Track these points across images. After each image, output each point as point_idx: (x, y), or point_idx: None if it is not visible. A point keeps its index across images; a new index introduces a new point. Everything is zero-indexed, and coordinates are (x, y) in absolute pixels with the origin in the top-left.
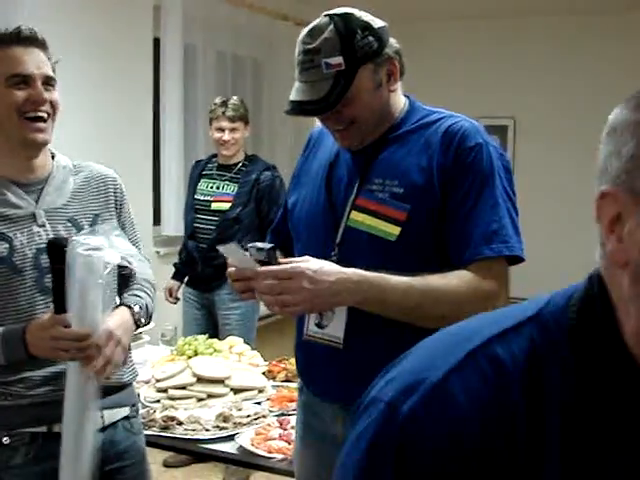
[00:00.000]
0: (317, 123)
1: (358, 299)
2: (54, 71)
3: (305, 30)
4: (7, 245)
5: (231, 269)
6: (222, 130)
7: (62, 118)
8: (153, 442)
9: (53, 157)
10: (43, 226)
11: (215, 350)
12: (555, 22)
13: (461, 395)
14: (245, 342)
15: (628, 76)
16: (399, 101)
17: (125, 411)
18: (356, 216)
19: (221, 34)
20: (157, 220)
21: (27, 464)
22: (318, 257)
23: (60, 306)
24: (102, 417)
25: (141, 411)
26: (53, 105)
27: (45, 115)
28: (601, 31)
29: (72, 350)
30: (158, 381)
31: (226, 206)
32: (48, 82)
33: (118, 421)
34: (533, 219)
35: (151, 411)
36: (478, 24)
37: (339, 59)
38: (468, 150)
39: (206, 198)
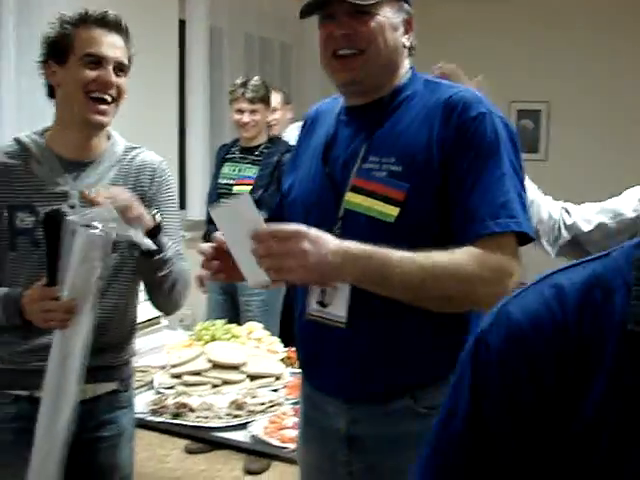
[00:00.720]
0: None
1: (357, 273)
2: (130, 61)
3: None
4: (34, 218)
5: (205, 246)
6: (242, 112)
7: None
8: (165, 429)
9: (109, 139)
10: (73, 207)
11: (233, 336)
12: (590, 3)
13: (519, 313)
14: (266, 328)
15: None
16: (405, 64)
17: (112, 386)
18: (353, 197)
19: (248, 17)
20: (182, 204)
21: (5, 420)
22: None
23: (52, 278)
24: (84, 391)
25: (154, 397)
26: (120, 90)
27: (109, 98)
28: (637, 13)
29: (61, 321)
30: (173, 367)
31: (248, 189)
32: (120, 68)
33: (102, 395)
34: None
35: (163, 397)
36: (511, 5)
37: None
38: (470, 120)
39: (229, 182)
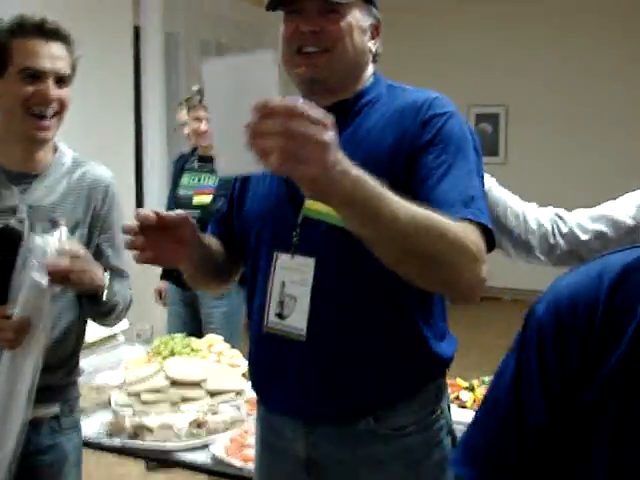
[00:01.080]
0: None
1: (354, 190)
2: (74, 67)
3: None
4: None
5: (128, 223)
6: (199, 120)
7: None
8: (121, 450)
9: (56, 150)
10: (21, 222)
11: (193, 350)
12: (545, 5)
13: (564, 286)
14: (227, 341)
15: (623, 60)
16: (369, 70)
17: (54, 408)
18: (312, 205)
19: (204, 22)
20: None
21: None
22: (275, 247)
23: (3, 296)
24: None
25: (110, 417)
26: (62, 102)
27: (50, 112)
28: (592, 13)
29: (10, 340)
30: (130, 385)
31: (207, 199)
32: (61, 79)
33: (44, 418)
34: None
35: (120, 417)
36: (466, 7)
37: None
38: (439, 115)
39: (188, 193)
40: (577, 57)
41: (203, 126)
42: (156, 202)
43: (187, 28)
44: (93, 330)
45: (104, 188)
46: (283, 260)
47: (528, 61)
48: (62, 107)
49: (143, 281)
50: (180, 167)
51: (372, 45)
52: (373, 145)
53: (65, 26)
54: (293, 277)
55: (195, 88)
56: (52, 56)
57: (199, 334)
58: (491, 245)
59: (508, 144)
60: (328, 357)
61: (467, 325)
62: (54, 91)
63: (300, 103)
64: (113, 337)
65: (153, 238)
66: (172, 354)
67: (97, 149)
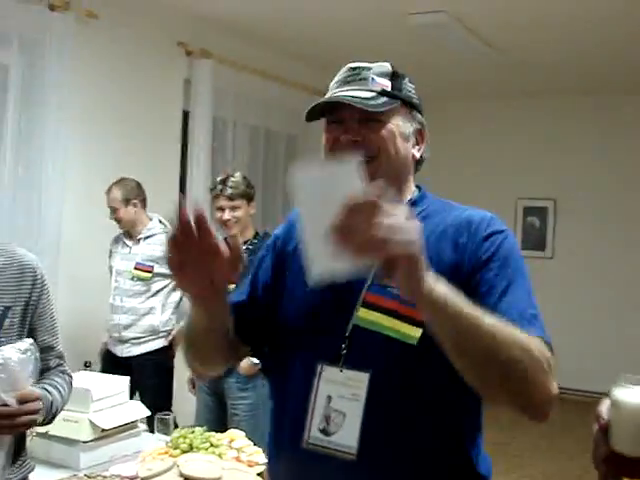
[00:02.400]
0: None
1: (432, 279)
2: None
3: None
4: None
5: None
6: (222, 209)
7: (90, 191)
8: None
9: None
10: None
11: (212, 445)
12: (592, 101)
13: None
14: (252, 433)
15: None
16: (411, 183)
17: None
18: (366, 314)
19: (252, 108)
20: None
21: None
22: (319, 358)
23: None
24: None
25: None
26: None
27: None
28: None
29: None
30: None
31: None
32: None
33: None
34: (575, 301)
35: None
36: (514, 103)
37: (387, 82)
38: (498, 233)
39: None
40: (624, 152)
41: (226, 215)
42: None
43: (236, 113)
44: (113, 418)
45: (32, 272)
46: (330, 373)
47: (577, 154)
48: None
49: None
50: None
51: (416, 152)
52: (432, 255)
53: (116, 111)
54: (341, 391)
55: (218, 178)
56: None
57: (226, 424)
58: None
59: (556, 238)
60: (379, 478)
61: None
62: None
63: (380, 197)
64: (134, 425)
65: (189, 259)
66: (190, 448)
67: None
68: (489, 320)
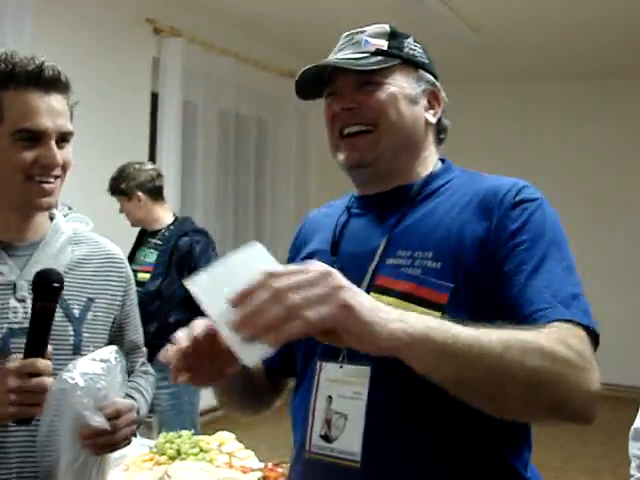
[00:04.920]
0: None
1: (409, 328)
2: (72, 116)
3: None
4: None
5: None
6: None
7: None
8: None
9: (51, 219)
10: (23, 301)
11: (201, 450)
12: (573, 86)
13: None
14: (176, 425)
15: None
16: (431, 147)
17: None
18: (377, 299)
19: (224, 90)
20: None
21: None
22: (321, 357)
23: (38, 348)
24: None
25: None
26: (65, 165)
27: (53, 178)
28: (619, 94)
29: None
30: None
31: (147, 277)
32: (64, 138)
33: None
34: None
35: None
36: (495, 87)
37: (383, 42)
38: (530, 201)
39: (136, 268)
40: (608, 137)
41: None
42: None
43: (206, 97)
44: None
45: (120, 263)
46: (329, 370)
47: (556, 140)
48: (65, 168)
49: None
50: (137, 241)
51: (430, 116)
52: (451, 232)
53: (85, 88)
54: (342, 390)
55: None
56: (52, 111)
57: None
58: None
59: None
60: None
61: None
62: (58, 155)
63: (277, 269)
64: None
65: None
66: (178, 454)
67: (109, 210)
68: (489, 336)
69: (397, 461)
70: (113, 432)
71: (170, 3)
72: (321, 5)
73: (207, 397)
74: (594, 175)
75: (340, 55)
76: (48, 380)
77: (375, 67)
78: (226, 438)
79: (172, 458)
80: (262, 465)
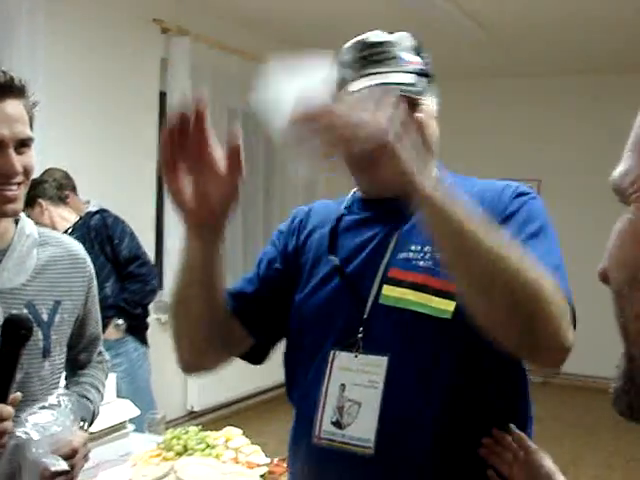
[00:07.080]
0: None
1: (425, 181)
2: (32, 119)
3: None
4: None
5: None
6: None
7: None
8: None
9: (16, 222)
10: None
11: (208, 446)
12: (576, 81)
13: None
14: (133, 402)
15: None
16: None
17: None
18: (390, 291)
19: (231, 89)
20: (160, 284)
21: None
22: (333, 345)
23: (2, 394)
24: None
25: None
26: (26, 171)
27: (15, 185)
28: (621, 89)
29: None
30: None
31: None
32: (23, 143)
33: None
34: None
35: None
36: (499, 83)
37: (416, 57)
38: (526, 194)
39: None
40: (609, 133)
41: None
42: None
43: (214, 96)
44: (99, 419)
45: (83, 263)
46: (343, 360)
47: (561, 136)
48: (28, 174)
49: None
50: None
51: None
52: None
53: (94, 91)
54: (356, 379)
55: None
56: (8, 119)
57: None
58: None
59: None
60: (402, 475)
61: None
62: (17, 162)
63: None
64: (121, 426)
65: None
66: (185, 450)
67: (118, 209)
68: (500, 238)
69: (410, 448)
70: (72, 468)
71: (177, 3)
72: (328, 3)
73: (216, 394)
74: (603, 171)
75: (378, 70)
76: (8, 424)
77: (423, 92)
78: (233, 434)
79: (179, 454)
80: (268, 460)
